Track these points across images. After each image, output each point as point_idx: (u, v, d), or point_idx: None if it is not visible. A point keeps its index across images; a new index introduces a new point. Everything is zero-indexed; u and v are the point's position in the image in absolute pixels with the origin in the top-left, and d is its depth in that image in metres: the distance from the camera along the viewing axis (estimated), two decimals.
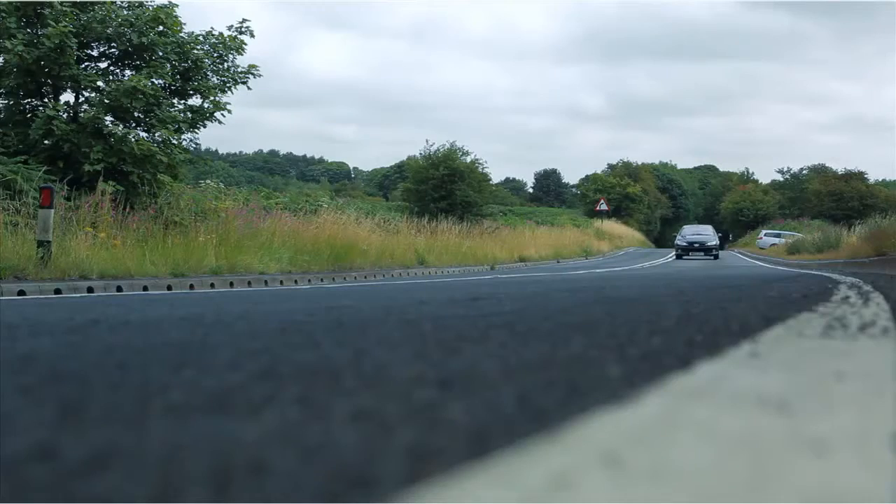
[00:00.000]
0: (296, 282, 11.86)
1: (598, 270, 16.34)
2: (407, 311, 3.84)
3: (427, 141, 42.71)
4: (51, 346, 2.49)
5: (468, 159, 30.18)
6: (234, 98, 12.68)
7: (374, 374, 1.71)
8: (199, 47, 13.12)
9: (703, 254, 32.95)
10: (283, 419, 1.25)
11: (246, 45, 13.49)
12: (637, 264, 23.38)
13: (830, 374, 1.64)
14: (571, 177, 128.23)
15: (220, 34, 13.35)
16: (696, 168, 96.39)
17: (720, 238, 35.33)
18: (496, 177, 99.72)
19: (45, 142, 12.05)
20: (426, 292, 6.23)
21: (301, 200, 21.70)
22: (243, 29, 13.45)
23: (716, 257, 32.75)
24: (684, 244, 33.49)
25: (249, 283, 10.90)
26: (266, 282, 11.40)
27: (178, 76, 13.06)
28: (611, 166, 73.70)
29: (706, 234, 34.83)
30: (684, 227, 38.32)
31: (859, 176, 61.60)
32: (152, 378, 1.71)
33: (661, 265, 23.00)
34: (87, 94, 12.61)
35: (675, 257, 33.12)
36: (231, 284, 10.51)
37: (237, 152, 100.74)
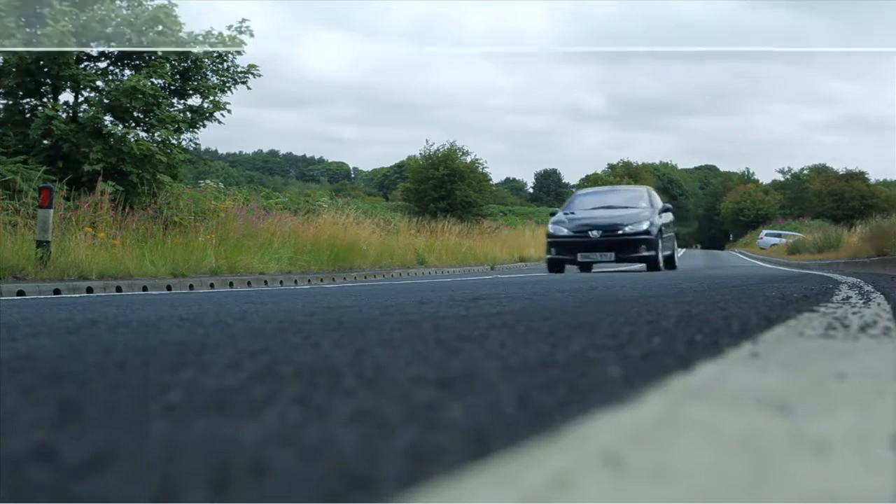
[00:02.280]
0: (295, 282, 11.86)
1: (597, 271, 16.33)
2: (407, 311, 3.84)
3: (427, 141, 42.78)
4: (50, 346, 2.48)
5: (468, 159, 30.22)
6: (234, 98, 12.68)
7: (374, 374, 1.71)
8: (198, 47, 13.13)
9: (612, 254, 14.06)
10: (283, 419, 1.25)
11: (246, 44, 13.51)
12: (637, 265, 23.37)
13: (831, 375, 1.63)
14: (571, 177, 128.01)
15: (220, 34, 13.37)
16: (696, 168, 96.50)
17: (665, 211, 15.43)
18: (496, 177, 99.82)
19: (45, 142, 12.06)
20: (426, 292, 6.22)
21: (301, 200, 21.71)
22: (243, 29, 13.47)
23: (649, 265, 14.33)
24: (566, 234, 14.41)
25: (249, 284, 10.90)
26: (266, 282, 11.40)
27: (178, 76, 13.08)
28: (611, 166, 73.83)
29: (628, 209, 15.07)
30: (577, 192, 17.68)
31: (860, 176, 61.68)
32: (152, 378, 1.71)
33: None
34: (86, 93, 12.62)
35: (546, 267, 14.96)
36: (231, 284, 10.51)
37: (237, 152, 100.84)
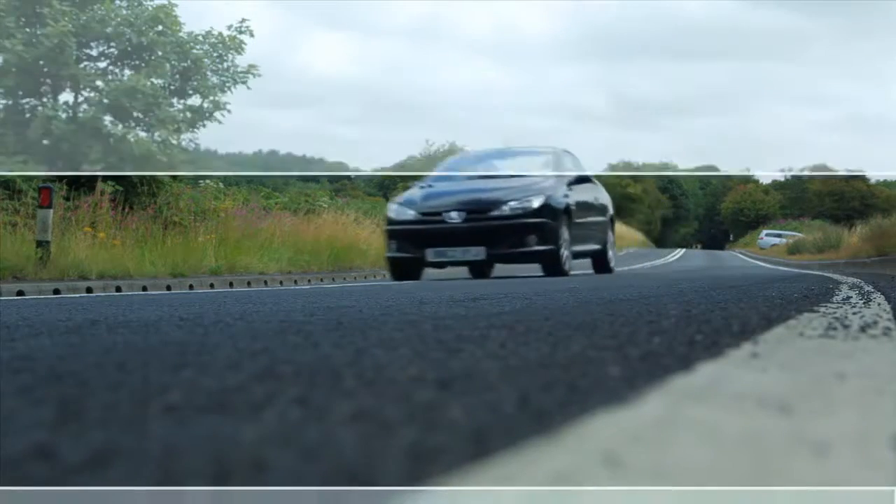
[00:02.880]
0: (295, 282, 11.86)
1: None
2: (407, 311, 3.84)
3: (427, 141, 42.75)
4: (49, 346, 2.48)
5: None
6: (234, 98, 12.69)
7: (374, 375, 1.71)
8: (198, 47, 13.15)
9: (482, 249, 9.01)
10: (283, 419, 1.25)
11: (245, 44, 13.53)
12: (637, 265, 23.40)
13: (831, 375, 1.63)
14: None
15: (220, 34, 13.39)
16: (696, 168, 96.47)
17: (581, 182, 10.15)
18: None
19: (45, 142, 12.07)
20: (426, 292, 6.22)
21: (301, 200, 21.70)
22: (243, 29, 13.50)
23: (546, 264, 9.53)
24: (411, 218, 9.40)
25: (249, 284, 10.90)
26: (266, 282, 11.40)
27: (178, 76, 13.09)
28: (611, 166, 73.80)
29: (516, 178, 9.69)
30: (450, 158, 13.70)
31: (860, 176, 61.71)
32: (152, 378, 1.71)
33: (661, 265, 23.02)
34: (86, 93, 12.63)
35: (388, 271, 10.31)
36: (230, 284, 10.51)
37: (237, 152, 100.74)
